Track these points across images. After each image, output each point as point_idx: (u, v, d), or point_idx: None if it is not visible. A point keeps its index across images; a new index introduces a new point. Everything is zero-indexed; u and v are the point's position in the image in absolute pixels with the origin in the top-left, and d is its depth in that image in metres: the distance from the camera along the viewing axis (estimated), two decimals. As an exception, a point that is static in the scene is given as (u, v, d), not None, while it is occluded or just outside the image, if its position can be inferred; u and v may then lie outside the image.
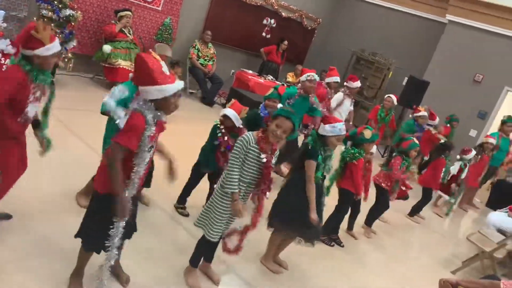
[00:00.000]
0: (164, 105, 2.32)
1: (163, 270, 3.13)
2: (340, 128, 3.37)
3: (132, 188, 2.36)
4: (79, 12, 6.22)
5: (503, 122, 7.27)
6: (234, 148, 2.78)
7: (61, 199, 3.52)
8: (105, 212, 2.33)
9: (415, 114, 7.20)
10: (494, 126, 8.67)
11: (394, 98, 7.26)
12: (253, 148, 2.76)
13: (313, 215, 3.26)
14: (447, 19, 9.21)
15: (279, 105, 4.20)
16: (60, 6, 5.88)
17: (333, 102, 6.42)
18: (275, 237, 3.57)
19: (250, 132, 2.82)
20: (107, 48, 6.61)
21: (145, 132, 2.27)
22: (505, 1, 8.38)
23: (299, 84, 5.46)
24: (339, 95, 6.47)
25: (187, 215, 3.96)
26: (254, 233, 4.01)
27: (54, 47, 2.65)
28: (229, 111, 3.69)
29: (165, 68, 2.31)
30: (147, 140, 2.29)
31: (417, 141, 4.88)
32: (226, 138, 3.73)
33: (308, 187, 3.29)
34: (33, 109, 2.76)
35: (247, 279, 3.40)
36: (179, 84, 2.32)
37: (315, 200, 3.28)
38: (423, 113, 7.14)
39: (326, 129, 3.35)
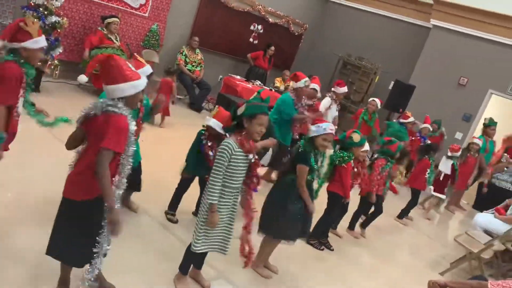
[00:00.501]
0: (132, 101, 2.35)
1: (152, 277, 3.11)
2: (324, 127, 3.40)
3: (120, 189, 2.35)
4: (65, 19, 6.19)
5: (486, 126, 7.39)
6: (218, 158, 2.72)
7: (45, 207, 3.47)
8: (86, 220, 2.31)
9: (403, 120, 7.22)
10: (479, 128, 8.79)
11: (378, 102, 7.33)
12: (237, 153, 2.75)
13: (312, 208, 3.43)
14: (432, 23, 9.36)
15: None
16: (45, 13, 5.84)
17: (321, 107, 6.43)
18: (267, 243, 3.57)
19: (229, 139, 2.77)
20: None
21: (130, 131, 2.29)
22: (488, 6, 8.54)
23: (293, 90, 5.52)
24: (327, 100, 6.47)
25: (176, 222, 3.94)
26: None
27: (41, 41, 2.69)
28: (212, 122, 3.68)
29: (131, 65, 2.37)
30: (132, 137, 2.32)
31: (403, 144, 4.95)
32: (210, 144, 3.73)
33: (301, 191, 3.35)
34: (20, 103, 2.79)
35: (237, 284, 3.39)
36: (144, 80, 2.39)
37: (308, 198, 3.38)
38: (412, 119, 7.21)
39: (312, 130, 3.41)
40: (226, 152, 2.70)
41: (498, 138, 7.84)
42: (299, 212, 3.39)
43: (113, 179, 2.32)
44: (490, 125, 7.34)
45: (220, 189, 2.76)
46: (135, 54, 3.22)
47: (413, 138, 7.31)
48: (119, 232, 2.31)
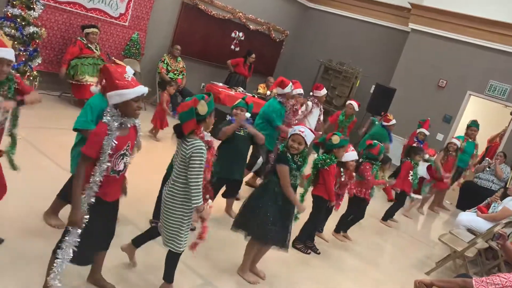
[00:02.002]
0: (126, 110, 2.39)
1: (138, 285, 3.07)
2: (295, 128, 3.44)
3: (89, 196, 2.38)
4: (44, 29, 6.11)
5: (467, 126, 7.53)
6: (199, 161, 2.69)
7: (29, 220, 3.42)
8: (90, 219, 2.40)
9: (385, 123, 7.26)
10: (459, 129, 8.96)
11: (355, 105, 7.35)
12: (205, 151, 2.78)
13: (301, 208, 3.55)
14: (410, 27, 9.52)
15: (247, 114, 4.20)
16: (23, 23, 5.76)
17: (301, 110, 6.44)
18: (251, 248, 3.56)
19: (197, 140, 2.72)
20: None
21: (107, 138, 2.31)
22: (464, 10, 8.74)
23: (279, 95, 5.57)
24: (307, 104, 6.50)
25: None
26: (229, 245, 4.02)
27: (7, 52, 2.62)
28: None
29: (128, 75, 2.41)
30: (110, 147, 2.33)
31: (383, 146, 5.00)
32: None
33: (286, 192, 3.37)
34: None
35: (224, 291, 3.37)
36: (140, 89, 2.41)
37: (295, 198, 3.42)
38: (394, 121, 7.27)
39: (288, 133, 3.48)
40: (203, 152, 2.71)
41: (479, 138, 7.98)
42: (274, 215, 3.39)
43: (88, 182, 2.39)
44: (470, 126, 7.48)
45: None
46: (113, 58, 3.22)
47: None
48: (79, 226, 2.37)
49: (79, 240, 2.39)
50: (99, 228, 2.52)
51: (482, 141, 9.72)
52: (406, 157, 6.22)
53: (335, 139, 4.12)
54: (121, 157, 2.45)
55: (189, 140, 2.71)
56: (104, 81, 2.41)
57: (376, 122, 7.73)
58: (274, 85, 5.58)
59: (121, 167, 2.48)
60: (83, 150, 2.34)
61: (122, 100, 2.36)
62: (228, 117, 4.24)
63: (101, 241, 2.65)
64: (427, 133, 7.48)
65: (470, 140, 7.45)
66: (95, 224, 2.44)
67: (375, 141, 5.03)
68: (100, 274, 2.84)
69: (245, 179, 5.64)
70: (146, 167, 4.77)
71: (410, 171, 6.07)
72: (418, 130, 7.47)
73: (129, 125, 2.45)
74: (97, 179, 2.36)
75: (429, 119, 7.59)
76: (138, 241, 3.20)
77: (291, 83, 5.39)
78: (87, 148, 2.34)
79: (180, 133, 2.73)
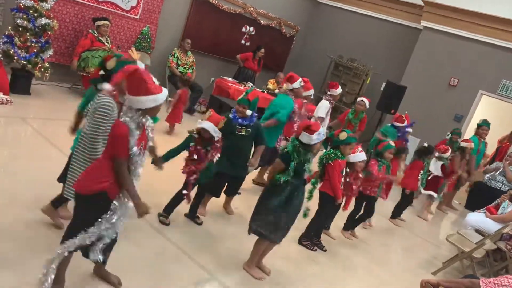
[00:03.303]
0: (153, 112, 2.51)
1: (143, 279, 3.09)
2: (323, 134, 3.46)
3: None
4: (55, 21, 6.15)
5: (478, 126, 7.43)
6: (103, 116, 2.87)
7: (39, 210, 3.45)
8: (91, 213, 2.48)
9: (397, 124, 7.09)
10: (470, 128, 8.86)
11: (366, 101, 7.22)
12: (115, 109, 2.93)
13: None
14: (422, 25, 9.42)
15: (248, 112, 4.13)
16: (35, 15, 5.80)
17: (321, 110, 6.30)
18: (261, 244, 3.56)
19: (106, 97, 2.88)
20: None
21: (131, 140, 2.40)
22: (477, 8, 8.61)
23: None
24: (326, 104, 6.35)
25: (167, 224, 3.92)
26: (235, 241, 4.03)
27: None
28: (207, 124, 3.69)
29: (154, 78, 2.51)
30: (134, 148, 2.42)
31: (393, 143, 4.95)
32: (198, 147, 3.75)
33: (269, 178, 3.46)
34: None
35: (229, 286, 3.38)
36: (165, 92, 2.53)
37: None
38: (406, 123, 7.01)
39: (313, 138, 3.37)
40: (109, 110, 2.87)
41: (489, 138, 7.89)
42: (285, 215, 3.41)
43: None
44: (481, 126, 7.39)
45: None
46: (130, 50, 3.24)
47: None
48: (146, 212, 2.54)
49: (87, 235, 2.47)
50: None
51: (492, 141, 9.64)
52: (419, 157, 6.13)
53: (343, 135, 4.09)
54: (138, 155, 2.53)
55: (100, 95, 2.90)
56: (132, 81, 2.41)
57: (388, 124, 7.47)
58: (284, 80, 5.55)
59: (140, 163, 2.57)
60: (120, 156, 2.40)
61: (154, 105, 2.45)
62: (232, 115, 4.18)
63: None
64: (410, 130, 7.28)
65: (482, 140, 7.37)
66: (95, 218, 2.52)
67: (385, 139, 5.03)
68: (104, 268, 2.88)
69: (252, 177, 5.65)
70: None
71: (421, 171, 6.04)
72: (403, 124, 7.01)
73: (149, 124, 2.52)
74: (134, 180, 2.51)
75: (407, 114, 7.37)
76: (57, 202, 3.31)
77: (300, 79, 5.34)
78: (121, 152, 2.40)
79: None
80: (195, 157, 3.75)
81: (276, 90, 9.27)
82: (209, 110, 3.87)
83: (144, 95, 2.40)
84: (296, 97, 5.36)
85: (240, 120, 4.14)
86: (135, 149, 2.42)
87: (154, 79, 2.51)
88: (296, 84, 5.28)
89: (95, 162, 2.60)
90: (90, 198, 2.46)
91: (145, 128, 2.50)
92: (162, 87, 2.52)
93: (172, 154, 3.74)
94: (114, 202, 2.52)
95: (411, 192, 6.13)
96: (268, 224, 3.39)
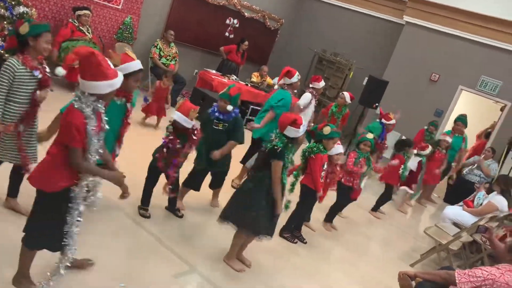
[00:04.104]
0: (107, 97, 2.41)
1: (124, 273, 3.07)
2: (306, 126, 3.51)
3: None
4: (34, 9, 6.01)
5: (454, 121, 7.55)
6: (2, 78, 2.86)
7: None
8: (55, 211, 2.38)
9: (385, 121, 7.10)
10: (450, 123, 9.00)
11: (347, 95, 7.28)
12: (21, 71, 2.89)
13: (280, 210, 3.44)
14: (405, 20, 9.50)
15: (229, 107, 4.08)
16: (13, 3, 5.66)
17: (301, 103, 6.29)
18: (240, 237, 3.57)
19: (11, 58, 2.88)
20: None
21: (87, 127, 2.30)
22: (459, 4, 8.73)
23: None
24: (308, 96, 6.36)
25: (148, 217, 3.90)
26: (215, 234, 4.03)
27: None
28: (177, 115, 3.64)
29: (110, 63, 2.41)
30: (92, 134, 2.33)
31: (371, 136, 5.00)
32: (171, 138, 3.70)
33: (275, 188, 3.37)
34: None
35: (210, 278, 3.38)
36: (121, 77, 2.45)
37: (280, 196, 3.39)
38: (394, 121, 7.00)
39: (300, 131, 3.40)
40: (8, 70, 2.85)
41: (469, 134, 8.02)
42: (266, 207, 3.40)
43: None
44: (456, 121, 7.49)
45: (4, 105, 2.91)
46: (126, 49, 3.22)
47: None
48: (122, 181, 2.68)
49: (52, 227, 2.41)
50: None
51: (471, 136, 9.82)
52: (399, 151, 6.17)
53: (326, 129, 4.11)
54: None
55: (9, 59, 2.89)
56: (88, 66, 2.31)
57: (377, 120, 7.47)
58: (281, 75, 5.54)
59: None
60: (73, 144, 2.28)
61: (110, 90, 2.37)
62: (212, 109, 4.15)
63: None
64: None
65: (457, 135, 7.44)
66: (66, 211, 2.42)
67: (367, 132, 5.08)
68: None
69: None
70: (135, 154, 4.75)
71: (402, 165, 6.09)
72: (390, 122, 6.97)
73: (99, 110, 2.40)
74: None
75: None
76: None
77: (297, 73, 5.40)
78: (74, 140, 2.28)
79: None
80: (164, 150, 3.69)
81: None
82: (181, 100, 3.83)
83: (101, 80, 2.30)
84: (294, 91, 5.47)
85: (217, 114, 4.11)
86: (93, 135, 2.32)
87: (109, 62, 2.41)
88: (295, 79, 5.37)
89: (52, 155, 2.38)
90: (58, 194, 2.36)
91: (100, 115, 2.41)
92: (118, 71, 2.45)
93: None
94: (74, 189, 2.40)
95: (391, 186, 6.20)
96: (252, 218, 3.40)
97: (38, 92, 3.01)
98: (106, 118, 2.49)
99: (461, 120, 7.42)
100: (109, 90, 2.37)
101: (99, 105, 2.37)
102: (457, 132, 7.42)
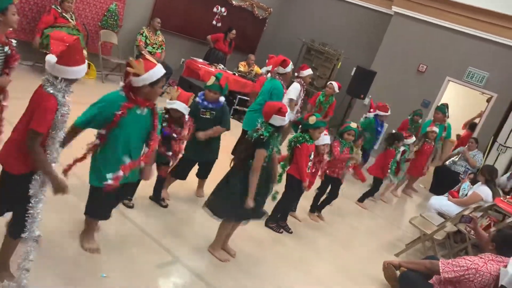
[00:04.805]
0: (74, 81, 2.39)
1: (108, 264, 3.03)
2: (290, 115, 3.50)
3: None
4: (15, -6, 5.85)
5: (435, 110, 7.57)
6: None
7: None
8: (22, 193, 2.31)
9: (382, 112, 7.06)
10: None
11: (335, 85, 7.25)
12: None
13: (250, 203, 3.30)
14: (393, 10, 9.48)
15: (222, 98, 4.07)
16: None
17: (292, 92, 6.23)
18: (225, 227, 3.54)
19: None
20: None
21: (57, 113, 2.27)
22: (446, -5, 8.72)
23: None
24: (297, 86, 6.28)
25: (131, 207, 3.84)
26: (200, 224, 4.00)
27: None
28: (178, 104, 3.65)
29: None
30: (60, 119, 2.29)
31: (354, 126, 4.98)
32: (172, 126, 3.73)
33: (252, 177, 3.30)
34: None
35: (194, 268, 3.35)
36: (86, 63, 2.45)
37: (254, 186, 3.31)
38: (388, 113, 7.05)
39: (285, 119, 3.36)
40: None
41: (455, 124, 8.06)
42: (245, 193, 3.34)
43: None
44: (436, 110, 7.51)
45: None
46: (143, 53, 3.11)
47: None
48: (64, 191, 2.40)
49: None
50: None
51: (458, 127, 9.90)
52: (390, 145, 6.11)
53: (312, 119, 4.09)
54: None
55: None
56: (68, 52, 2.30)
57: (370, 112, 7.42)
58: (275, 64, 5.46)
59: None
60: (38, 129, 2.23)
61: (79, 76, 2.36)
62: (198, 98, 4.08)
63: None
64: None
65: (437, 123, 7.44)
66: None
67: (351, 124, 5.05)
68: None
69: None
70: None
71: (391, 159, 6.08)
72: (382, 113, 7.14)
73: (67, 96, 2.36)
74: (54, 155, 2.34)
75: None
76: None
77: (291, 63, 5.46)
78: (41, 125, 2.23)
79: None
80: (174, 135, 3.71)
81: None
82: (174, 88, 3.81)
83: (76, 65, 2.32)
84: (285, 81, 5.50)
85: (205, 103, 4.07)
86: (59, 123, 2.29)
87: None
88: (288, 68, 5.42)
89: (20, 135, 2.34)
90: (24, 176, 2.31)
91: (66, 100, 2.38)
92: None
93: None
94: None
95: (380, 179, 6.20)
96: (231, 204, 3.36)
97: None
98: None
99: (441, 109, 7.46)
100: (80, 76, 2.37)
101: (70, 91, 2.35)
102: (437, 121, 7.44)
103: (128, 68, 2.68)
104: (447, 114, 7.52)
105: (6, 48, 2.89)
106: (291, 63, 5.36)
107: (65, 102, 2.29)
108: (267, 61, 5.90)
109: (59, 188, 2.37)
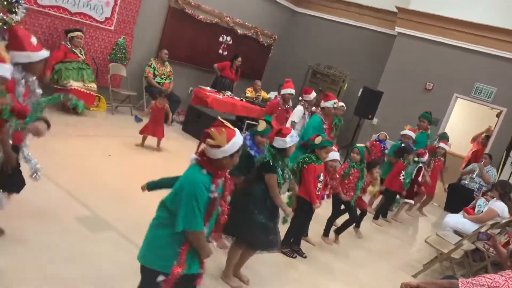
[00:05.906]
0: (30, 69, 2.84)
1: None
2: (296, 136, 3.48)
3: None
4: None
5: (418, 118, 7.52)
6: None
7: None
8: None
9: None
10: (447, 131, 8.99)
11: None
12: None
13: (287, 211, 3.53)
14: (397, 31, 9.57)
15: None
16: (5, 27, 5.67)
17: (295, 115, 6.34)
18: (235, 252, 3.51)
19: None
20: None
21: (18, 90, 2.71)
22: (449, 13, 8.80)
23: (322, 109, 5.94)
24: (300, 109, 6.39)
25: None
26: (215, 252, 3.95)
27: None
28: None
29: (33, 39, 2.85)
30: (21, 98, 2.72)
31: (361, 145, 5.00)
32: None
33: (277, 201, 3.39)
34: None
35: (208, 297, 3.31)
36: (44, 53, 2.90)
37: (283, 203, 3.49)
38: (408, 132, 6.83)
39: (287, 141, 3.37)
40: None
41: (464, 140, 8.00)
42: (263, 223, 3.34)
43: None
44: (420, 118, 7.45)
45: None
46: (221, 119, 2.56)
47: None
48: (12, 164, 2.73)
49: None
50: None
51: (467, 142, 9.82)
52: (399, 157, 6.20)
53: (318, 139, 4.11)
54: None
55: None
56: (11, 38, 2.75)
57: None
58: (323, 98, 5.92)
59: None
60: None
61: (27, 61, 2.77)
62: (250, 147, 3.55)
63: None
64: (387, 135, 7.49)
65: (421, 131, 7.36)
66: None
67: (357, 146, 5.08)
68: None
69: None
70: (128, 172, 4.70)
71: (402, 171, 6.06)
72: (403, 132, 6.98)
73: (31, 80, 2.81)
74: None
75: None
76: None
77: (335, 99, 5.90)
78: None
79: None
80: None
81: (262, 97, 9.33)
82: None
83: (19, 50, 2.72)
84: (326, 116, 5.85)
85: (259, 152, 3.56)
86: (20, 99, 2.66)
87: (33, 40, 2.83)
88: (329, 104, 5.77)
89: None
90: None
91: (28, 85, 2.78)
92: (43, 48, 2.88)
93: (163, 185, 2.84)
94: None
95: (394, 193, 6.15)
96: (253, 234, 3.34)
97: None
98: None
99: (425, 116, 7.43)
100: (27, 61, 2.77)
101: (28, 76, 2.77)
102: (421, 129, 7.39)
103: (208, 140, 2.29)
104: (430, 121, 7.50)
105: None
106: (335, 99, 5.89)
107: (21, 81, 2.72)
108: (283, 84, 6.39)
109: (12, 161, 2.75)
